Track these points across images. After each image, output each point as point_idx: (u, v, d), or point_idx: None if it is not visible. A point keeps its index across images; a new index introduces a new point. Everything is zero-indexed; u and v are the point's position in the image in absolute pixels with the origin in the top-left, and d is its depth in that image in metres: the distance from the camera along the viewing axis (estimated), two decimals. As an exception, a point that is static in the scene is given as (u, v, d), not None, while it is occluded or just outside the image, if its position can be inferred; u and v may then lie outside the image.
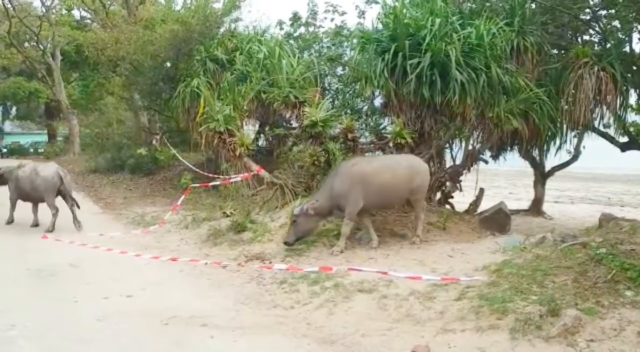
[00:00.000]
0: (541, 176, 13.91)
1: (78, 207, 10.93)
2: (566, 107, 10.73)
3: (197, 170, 13.30)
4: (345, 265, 7.15)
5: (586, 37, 12.00)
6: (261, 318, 5.70)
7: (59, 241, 9.76)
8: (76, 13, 30.30)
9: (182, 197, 11.88)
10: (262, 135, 14.14)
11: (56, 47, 27.41)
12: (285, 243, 8.15)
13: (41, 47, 27.67)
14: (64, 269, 7.90)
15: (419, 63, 9.23)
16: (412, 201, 8.50)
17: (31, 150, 37.98)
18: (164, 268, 7.91)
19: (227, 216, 10.05)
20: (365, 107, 12.51)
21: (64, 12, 29.96)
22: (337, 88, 13.58)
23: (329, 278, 6.57)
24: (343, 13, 14.58)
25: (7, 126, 44.37)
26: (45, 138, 37.96)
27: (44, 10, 27.22)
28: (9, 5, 25.43)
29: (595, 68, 10.18)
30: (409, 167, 8.32)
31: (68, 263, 8.18)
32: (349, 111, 12.17)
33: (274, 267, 7.28)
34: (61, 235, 10.05)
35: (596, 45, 11.64)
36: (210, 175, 11.71)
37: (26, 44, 29.19)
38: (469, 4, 11.96)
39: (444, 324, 5.08)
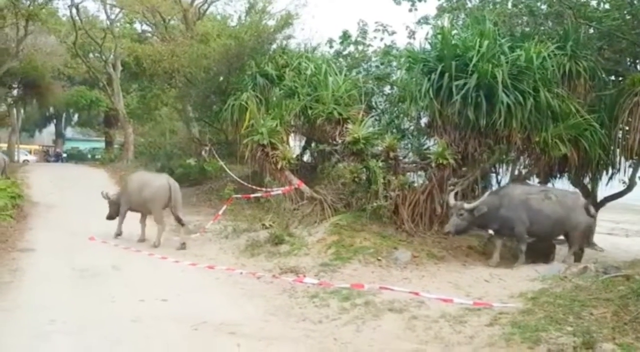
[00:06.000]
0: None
1: None
2: (620, 135, 10.37)
3: (242, 182, 13.47)
4: (378, 283, 7.10)
5: (646, 64, 11.61)
6: (289, 330, 5.72)
7: (105, 243, 10.15)
8: (138, 26, 31.55)
9: (224, 207, 12.07)
10: (307, 150, 14.26)
11: (117, 58, 28.52)
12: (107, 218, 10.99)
13: (104, 58, 28.86)
14: (106, 271, 8.22)
15: (464, 84, 9.12)
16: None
17: (89, 156, 39.68)
18: (201, 275, 8.09)
19: (266, 228, 10.15)
20: (411, 127, 12.44)
21: (127, 25, 31.26)
22: (383, 107, 13.57)
23: (360, 295, 6.54)
24: (393, 33, 14.60)
25: (69, 132, 46.40)
26: (103, 145, 39.45)
27: (108, 23, 28.43)
28: (77, 18, 26.71)
29: (652, 96, 9.78)
30: (142, 181, 10.65)
31: (111, 265, 8.52)
32: (394, 130, 12.14)
33: (306, 281, 7.28)
34: (107, 238, 10.44)
35: (656, 73, 11.22)
36: (254, 187, 11.87)
37: (90, 55, 30.53)
38: (521, 27, 11.80)
39: (473, 349, 4.97)
